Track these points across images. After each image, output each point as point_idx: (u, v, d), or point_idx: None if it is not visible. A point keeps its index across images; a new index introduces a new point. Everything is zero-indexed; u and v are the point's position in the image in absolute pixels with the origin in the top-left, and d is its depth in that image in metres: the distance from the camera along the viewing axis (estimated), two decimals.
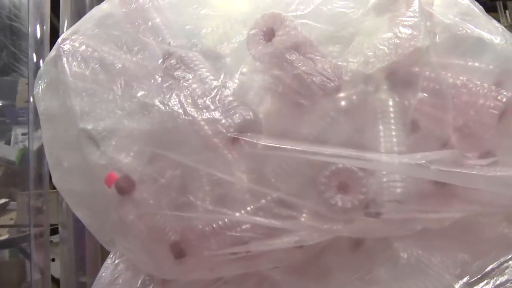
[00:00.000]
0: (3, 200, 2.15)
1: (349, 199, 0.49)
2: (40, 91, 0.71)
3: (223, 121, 0.46)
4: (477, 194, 0.60)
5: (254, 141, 0.46)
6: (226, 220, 0.58)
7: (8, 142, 2.29)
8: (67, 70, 0.61)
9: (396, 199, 0.52)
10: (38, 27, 1.40)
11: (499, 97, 0.52)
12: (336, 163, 0.49)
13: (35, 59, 1.37)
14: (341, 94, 0.59)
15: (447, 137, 0.59)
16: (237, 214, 0.58)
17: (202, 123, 0.47)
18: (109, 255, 0.85)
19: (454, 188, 0.59)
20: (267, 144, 0.46)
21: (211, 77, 0.50)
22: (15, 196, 2.05)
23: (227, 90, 0.49)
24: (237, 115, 0.46)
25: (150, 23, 0.61)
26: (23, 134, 2.28)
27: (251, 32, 0.50)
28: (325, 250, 0.63)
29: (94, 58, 0.62)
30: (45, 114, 0.71)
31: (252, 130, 0.47)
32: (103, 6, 0.70)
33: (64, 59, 0.63)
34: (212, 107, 0.47)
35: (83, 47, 0.63)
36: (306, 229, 0.57)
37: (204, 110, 0.47)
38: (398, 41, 0.50)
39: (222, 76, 0.51)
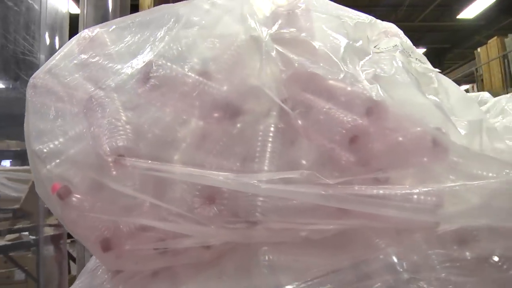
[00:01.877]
0: None
1: (211, 209, 0.62)
2: (25, 116, 0.90)
3: (108, 146, 0.61)
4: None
5: (127, 164, 0.60)
6: (141, 223, 0.73)
7: None
8: (29, 101, 0.79)
9: (259, 211, 0.64)
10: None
11: (345, 124, 0.62)
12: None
13: None
14: (237, 120, 0.72)
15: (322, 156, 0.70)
16: (151, 220, 0.72)
17: (101, 147, 0.63)
18: None
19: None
20: (141, 165, 0.60)
21: (115, 114, 0.65)
22: None
23: (121, 121, 0.63)
24: (114, 142, 0.61)
25: (90, 67, 0.78)
26: None
27: (136, 76, 0.65)
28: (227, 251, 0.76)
29: (50, 93, 0.79)
30: (26, 134, 0.89)
31: (132, 154, 0.61)
32: (67, 46, 0.87)
33: (30, 92, 0.81)
34: (107, 135, 0.62)
35: (45, 83, 0.81)
36: (202, 234, 0.70)
37: (103, 138, 0.63)
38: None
39: (122, 110, 0.66)
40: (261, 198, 0.64)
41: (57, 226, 2.41)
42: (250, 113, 0.72)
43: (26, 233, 2.97)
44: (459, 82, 8.66)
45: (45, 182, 0.76)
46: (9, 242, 2.72)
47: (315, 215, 0.70)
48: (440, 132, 0.73)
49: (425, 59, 0.95)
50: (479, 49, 8.47)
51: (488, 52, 8.13)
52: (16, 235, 2.96)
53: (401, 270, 0.62)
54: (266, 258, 0.64)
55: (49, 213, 2.43)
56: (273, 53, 0.65)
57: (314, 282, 0.59)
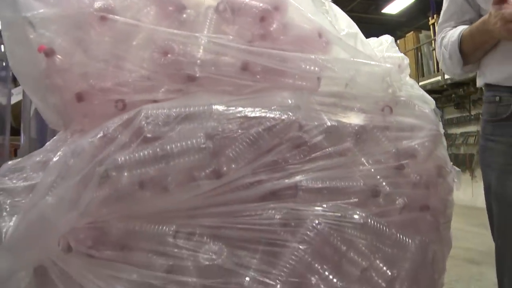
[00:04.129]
0: None
1: (165, 59, 0.90)
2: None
3: (94, 5, 0.87)
4: (273, 74, 1.01)
5: (109, 17, 0.86)
6: (110, 81, 0.99)
7: None
8: None
9: (199, 64, 0.93)
10: None
11: (258, 8, 0.94)
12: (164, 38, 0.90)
13: None
14: (183, 12, 1.00)
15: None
16: (119, 77, 0.98)
17: (91, 7, 0.88)
18: None
19: (253, 67, 1.00)
20: (120, 19, 0.87)
21: None
22: None
23: None
24: (101, 4, 0.87)
25: None
26: None
27: None
28: None
29: None
30: (4, 22, 1.09)
31: (113, 13, 0.88)
32: None
33: None
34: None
35: None
36: (156, 83, 0.98)
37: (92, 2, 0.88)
38: None
39: None
40: (200, 54, 0.93)
41: None
42: (192, 8, 1.01)
43: None
44: None
45: (33, 44, 0.98)
46: None
47: (238, 74, 1.00)
48: (324, 28, 1.07)
49: None
50: (398, 41, 9.35)
51: (405, 45, 9.02)
52: None
53: (291, 102, 0.95)
54: (202, 94, 0.93)
55: None
56: None
57: (232, 99, 0.90)
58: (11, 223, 0.99)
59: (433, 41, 8.27)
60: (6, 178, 1.08)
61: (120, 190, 0.86)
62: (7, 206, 1.01)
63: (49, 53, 0.97)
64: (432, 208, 1.10)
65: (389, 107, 1.11)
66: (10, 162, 1.13)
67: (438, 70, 8.19)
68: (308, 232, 0.84)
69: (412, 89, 1.32)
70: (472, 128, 7.61)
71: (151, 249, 0.88)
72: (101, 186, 0.86)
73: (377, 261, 0.93)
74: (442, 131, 1.25)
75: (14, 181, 1.07)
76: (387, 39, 1.51)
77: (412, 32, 8.97)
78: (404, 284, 0.96)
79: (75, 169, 0.86)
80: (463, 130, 7.75)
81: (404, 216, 1.02)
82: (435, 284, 1.12)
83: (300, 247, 0.83)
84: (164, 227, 0.89)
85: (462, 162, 7.62)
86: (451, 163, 1.25)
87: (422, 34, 8.76)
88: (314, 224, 0.84)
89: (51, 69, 1.00)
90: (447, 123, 7.77)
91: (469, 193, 7.32)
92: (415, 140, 1.10)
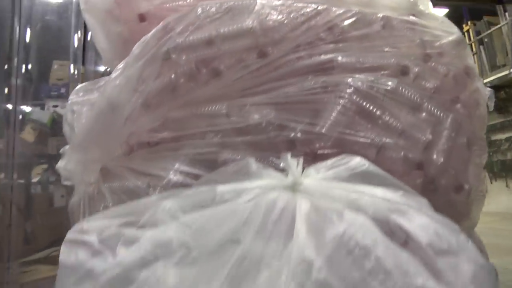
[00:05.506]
0: None
1: None
2: None
3: None
4: None
5: None
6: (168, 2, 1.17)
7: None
8: None
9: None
10: None
11: None
12: None
13: None
14: None
15: None
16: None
17: None
18: None
19: None
20: None
21: None
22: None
23: None
24: None
25: None
26: (54, 106, 2.97)
27: None
28: None
29: None
30: None
31: None
32: None
33: None
34: None
35: None
36: None
37: None
38: None
39: None
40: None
41: None
42: None
43: None
44: None
45: None
46: None
47: None
48: None
49: None
50: None
51: None
52: None
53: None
54: None
55: None
56: None
57: None
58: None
59: (468, 47, 8.19)
60: (77, 96, 1.27)
61: (179, 73, 1.01)
62: (80, 112, 1.19)
63: None
64: (462, 100, 1.17)
65: (414, 14, 1.22)
66: (79, 85, 1.33)
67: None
68: (347, 89, 0.94)
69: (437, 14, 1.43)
70: None
71: (205, 124, 1.01)
72: (161, 72, 1.01)
73: (413, 130, 1.01)
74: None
75: (86, 97, 1.25)
76: None
77: None
78: (441, 155, 1.02)
79: (139, 55, 1.01)
80: (508, 135, 7.49)
81: (435, 98, 1.10)
82: (475, 172, 1.16)
83: (341, 101, 0.93)
84: (217, 106, 1.02)
85: (511, 168, 7.31)
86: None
87: None
88: (351, 83, 0.95)
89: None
90: (490, 129, 7.52)
91: None
92: (441, 39, 1.19)
